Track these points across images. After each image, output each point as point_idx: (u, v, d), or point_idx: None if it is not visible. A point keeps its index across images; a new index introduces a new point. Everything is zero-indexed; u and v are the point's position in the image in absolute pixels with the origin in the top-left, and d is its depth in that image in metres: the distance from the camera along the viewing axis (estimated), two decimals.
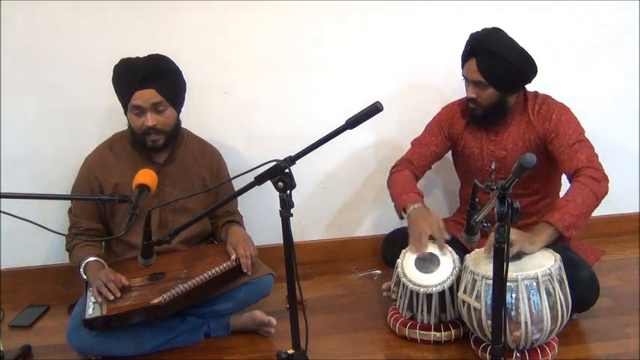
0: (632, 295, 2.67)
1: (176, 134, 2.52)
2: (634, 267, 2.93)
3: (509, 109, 2.52)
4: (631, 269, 2.91)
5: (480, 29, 2.49)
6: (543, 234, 2.28)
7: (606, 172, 2.42)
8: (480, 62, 2.41)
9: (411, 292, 2.38)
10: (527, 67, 2.43)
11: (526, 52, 2.42)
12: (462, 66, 2.51)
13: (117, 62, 2.44)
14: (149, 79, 2.35)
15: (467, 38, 2.49)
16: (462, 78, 2.53)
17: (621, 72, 3.08)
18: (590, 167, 2.34)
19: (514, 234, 2.19)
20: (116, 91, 2.44)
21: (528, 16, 2.92)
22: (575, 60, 3.04)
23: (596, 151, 2.45)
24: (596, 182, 2.31)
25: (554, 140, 2.45)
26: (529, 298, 2.16)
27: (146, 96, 2.36)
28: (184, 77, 2.50)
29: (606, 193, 2.35)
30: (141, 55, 2.45)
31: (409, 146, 2.79)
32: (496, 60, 2.39)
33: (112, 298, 2.30)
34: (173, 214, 2.55)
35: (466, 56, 2.47)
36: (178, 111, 2.51)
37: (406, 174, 2.67)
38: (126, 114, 2.45)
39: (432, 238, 2.44)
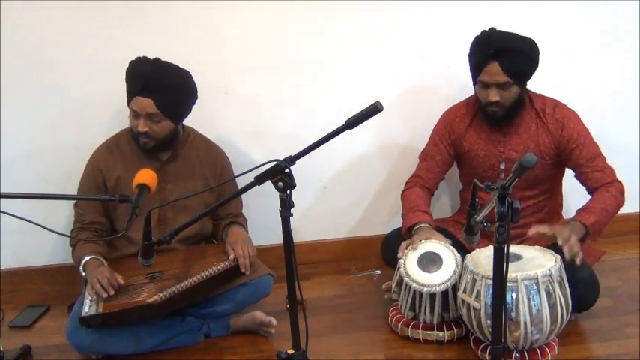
0: (632, 295, 2.68)
1: (170, 141, 2.52)
2: (634, 267, 2.93)
3: (524, 104, 2.54)
4: (631, 269, 2.91)
5: (479, 33, 2.49)
6: (577, 233, 2.35)
7: None
8: (504, 63, 2.40)
9: (414, 291, 2.38)
10: (537, 52, 2.47)
11: (529, 38, 2.45)
12: (477, 73, 2.47)
13: (135, 58, 2.45)
14: (149, 89, 2.36)
15: (470, 36, 2.49)
16: (477, 84, 2.50)
17: (621, 72, 3.08)
18: (618, 182, 2.50)
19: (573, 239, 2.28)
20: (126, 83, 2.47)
21: (529, 15, 2.92)
22: (575, 60, 3.04)
23: None
24: (622, 197, 2.49)
25: (575, 151, 2.51)
26: (529, 299, 2.16)
27: (143, 104, 2.38)
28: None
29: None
30: (152, 55, 2.46)
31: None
32: (517, 56, 2.41)
33: (105, 295, 2.30)
34: (172, 211, 2.55)
35: (484, 61, 2.43)
36: (177, 122, 2.51)
37: (416, 191, 2.68)
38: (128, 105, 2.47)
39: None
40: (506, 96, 2.47)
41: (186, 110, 2.52)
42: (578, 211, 2.46)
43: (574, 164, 2.54)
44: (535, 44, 2.46)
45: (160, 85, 2.38)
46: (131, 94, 2.41)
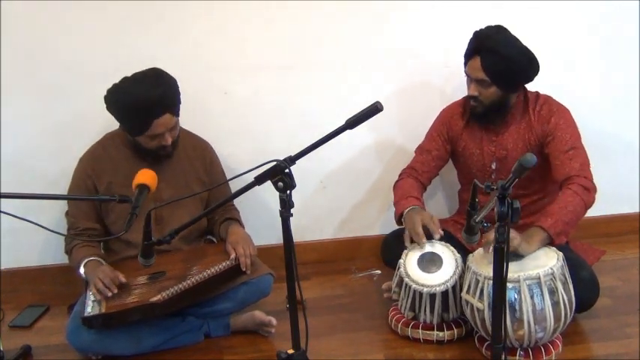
0: (632, 295, 2.67)
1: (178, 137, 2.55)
2: (634, 267, 2.93)
3: (509, 109, 2.53)
4: (631, 269, 2.91)
5: (483, 27, 2.49)
6: (536, 238, 2.29)
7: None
8: (485, 61, 2.41)
9: (414, 292, 2.38)
10: (530, 66, 2.44)
11: (529, 51, 2.43)
12: (465, 63, 2.50)
13: (115, 90, 2.38)
14: (163, 106, 2.36)
15: (469, 36, 2.49)
16: (464, 75, 2.53)
17: (622, 72, 3.08)
18: (582, 176, 2.38)
19: (511, 233, 2.20)
20: (123, 120, 2.42)
21: (529, 15, 2.92)
22: (575, 59, 3.04)
23: (589, 158, 2.47)
24: (587, 192, 2.36)
25: (551, 143, 2.48)
26: (531, 298, 2.16)
27: (165, 121, 2.38)
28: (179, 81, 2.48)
29: (593, 203, 2.40)
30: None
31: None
32: (500, 59, 2.39)
33: (109, 294, 2.30)
34: (168, 209, 2.54)
35: (470, 54, 2.47)
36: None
37: (409, 181, 2.68)
38: (131, 135, 2.45)
39: (430, 238, 2.46)
40: (485, 94, 2.47)
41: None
42: (538, 216, 2.40)
43: (550, 158, 2.48)
44: (529, 56, 2.43)
45: (169, 98, 2.39)
46: (146, 123, 2.36)
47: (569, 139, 2.45)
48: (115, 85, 2.40)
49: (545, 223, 2.30)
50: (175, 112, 2.43)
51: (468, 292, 2.28)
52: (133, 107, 2.35)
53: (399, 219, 2.58)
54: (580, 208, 2.35)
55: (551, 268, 2.18)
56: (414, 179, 2.70)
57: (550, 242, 2.31)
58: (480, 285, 2.22)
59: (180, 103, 2.47)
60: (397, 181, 2.75)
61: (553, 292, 2.18)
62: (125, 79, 2.39)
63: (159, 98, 2.35)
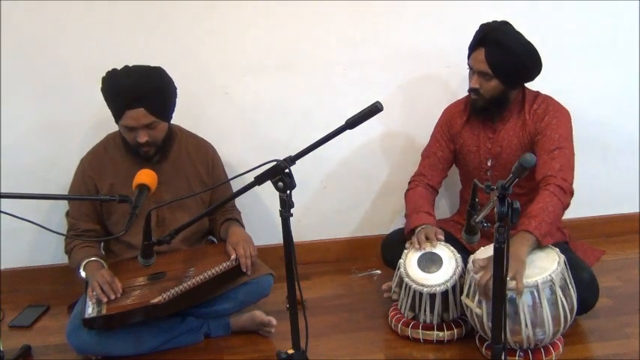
0: (632, 295, 2.67)
1: (168, 141, 2.52)
2: (634, 267, 2.93)
3: (508, 105, 2.53)
4: (631, 269, 2.91)
5: (490, 20, 2.49)
6: (525, 243, 2.24)
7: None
8: (489, 53, 2.40)
9: (414, 292, 2.38)
10: (533, 62, 2.44)
11: (534, 48, 2.43)
12: (469, 55, 2.50)
13: (109, 72, 2.40)
14: (137, 99, 2.33)
15: (470, 35, 2.49)
16: (467, 67, 2.53)
17: (621, 72, 3.08)
18: (559, 177, 2.35)
19: (512, 269, 2.11)
20: (105, 102, 2.42)
21: (530, 13, 2.91)
22: (575, 59, 3.04)
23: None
24: (563, 193, 2.34)
25: (539, 141, 2.47)
26: (531, 304, 2.15)
27: (136, 116, 2.35)
28: (175, 85, 2.47)
29: (569, 205, 2.37)
30: (134, 61, 2.42)
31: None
32: (504, 52, 2.39)
33: (105, 300, 2.30)
34: (170, 211, 2.55)
35: (474, 46, 2.46)
36: (169, 120, 2.50)
37: (419, 191, 2.67)
38: (116, 123, 2.45)
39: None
40: (486, 87, 2.46)
41: (174, 105, 2.49)
42: (521, 220, 2.33)
43: (537, 155, 2.44)
44: (533, 52, 2.42)
45: (146, 92, 2.34)
46: (119, 111, 2.36)
47: (557, 139, 2.42)
48: (113, 68, 2.41)
49: (530, 225, 2.26)
50: (154, 111, 2.37)
51: (467, 295, 2.27)
52: (111, 90, 2.37)
53: (409, 233, 2.57)
54: (559, 209, 2.33)
55: (550, 275, 2.15)
56: (424, 187, 2.69)
57: (537, 245, 2.27)
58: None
59: (168, 106, 2.45)
60: (408, 190, 2.73)
61: (552, 296, 2.17)
62: (124, 66, 2.40)
63: (132, 89, 2.32)
